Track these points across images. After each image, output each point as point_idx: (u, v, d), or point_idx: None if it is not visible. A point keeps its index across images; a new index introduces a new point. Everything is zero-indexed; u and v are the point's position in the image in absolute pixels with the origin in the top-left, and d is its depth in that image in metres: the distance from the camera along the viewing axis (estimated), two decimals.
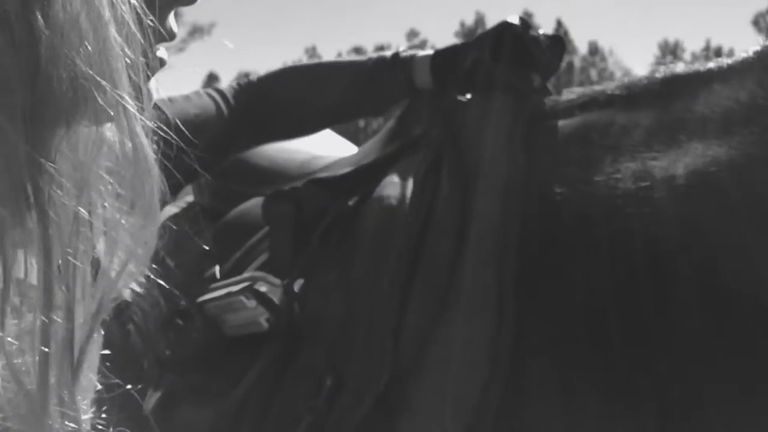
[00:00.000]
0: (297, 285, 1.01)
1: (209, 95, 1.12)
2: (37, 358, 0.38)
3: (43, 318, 0.37)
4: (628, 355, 0.77)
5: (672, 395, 0.75)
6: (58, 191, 0.37)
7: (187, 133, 0.46)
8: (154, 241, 0.44)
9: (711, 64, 0.83)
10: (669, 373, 0.75)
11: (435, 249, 0.92)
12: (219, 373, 1.03)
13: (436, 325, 0.87)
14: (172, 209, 1.44)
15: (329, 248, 1.04)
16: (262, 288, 1.02)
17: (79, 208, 0.38)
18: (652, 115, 0.85)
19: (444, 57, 1.15)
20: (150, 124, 0.42)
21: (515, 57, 1.04)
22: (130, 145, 0.40)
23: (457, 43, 1.16)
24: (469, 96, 1.08)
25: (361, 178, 1.10)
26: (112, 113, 0.39)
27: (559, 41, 1.09)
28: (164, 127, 0.44)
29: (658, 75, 0.89)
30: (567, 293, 0.82)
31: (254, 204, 1.26)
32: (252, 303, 1.02)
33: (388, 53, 1.20)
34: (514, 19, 1.07)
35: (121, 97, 0.39)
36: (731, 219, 0.74)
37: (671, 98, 0.85)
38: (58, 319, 0.38)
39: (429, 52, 1.17)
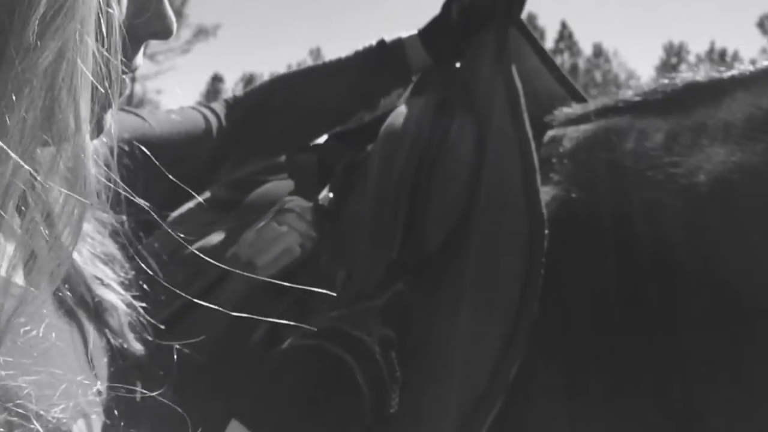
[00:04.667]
0: (325, 201, 1.01)
1: (198, 111, 1.08)
2: None
3: None
4: (634, 359, 0.77)
5: (677, 398, 0.75)
6: None
7: (173, 146, 0.47)
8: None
9: (732, 72, 0.84)
10: (675, 379, 0.75)
11: (456, 148, 0.93)
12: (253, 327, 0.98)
13: (463, 220, 0.87)
14: (188, 204, 1.44)
15: (351, 180, 1.04)
16: (296, 208, 1.02)
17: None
18: (673, 120, 0.85)
19: (432, 26, 1.14)
20: (100, 150, 0.44)
21: None
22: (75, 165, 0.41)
23: (436, 14, 1.16)
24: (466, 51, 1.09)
25: (377, 126, 1.08)
26: (67, 136, 0.40)
27: None
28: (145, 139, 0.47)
29: (677, 82, 0.88)
30: (573, 297, 0.82)
31: (273, 186, 1.27)
32: (283, 228, 1.01)
33: (373, 43, 1.17)
34: None
35: (78, 123, 0.40)
36: (745, 226, 0.74)
37: (692, 104, 0.85)
38: None
39: (413, 31, 1.16)
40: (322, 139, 1.12)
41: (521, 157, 0.87)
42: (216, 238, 1.24)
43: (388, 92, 1.19)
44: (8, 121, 0.38)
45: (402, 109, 1.04)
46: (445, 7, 1.13)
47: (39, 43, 0.37)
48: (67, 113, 0.39)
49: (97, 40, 0.41)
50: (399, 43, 1.14)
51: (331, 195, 1.02)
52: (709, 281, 0.74)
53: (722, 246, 0.75)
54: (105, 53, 0.42)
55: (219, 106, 1.11)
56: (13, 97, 0.38)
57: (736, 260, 0.73)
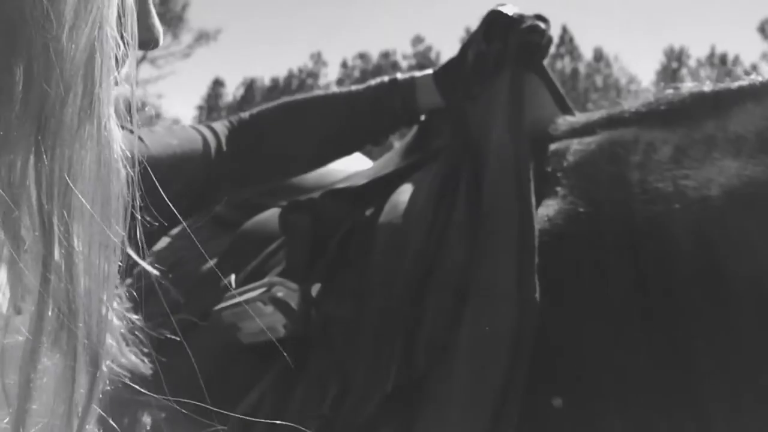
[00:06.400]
0: (314, 290, 1.00)
1: (197, 130, 1.07)
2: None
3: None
4: (645, 378, 0.75)
5: (691, 418, 0.73)
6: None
7: (169, 164, 0.47)
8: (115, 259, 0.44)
9: (741, 83, 0.82)
10: (688, 399, 0.74)
11: (451, 253, 0.91)
12: (229, 383, 1.00)
13: (453, 329, 0.85)
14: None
15: (346, 255, 1.02)
16: (280, 293, 1.01)
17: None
18: (681, 132, 0.84)
19: (447, 69, 1.14)
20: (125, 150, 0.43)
21: (508, 36, 1.05)
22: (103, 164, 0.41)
23: (453, 55, 1.15)
24: (478, 96, 1.07)
25: (378, 189, 1.08)
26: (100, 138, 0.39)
27: (542, 18, 1.09)
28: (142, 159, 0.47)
29: (683, 92, 0.86)
30: (581, 313, 0.80)
31: (271, 214, 1.25)
32: (269, 309, 1.00)
33: (386, 79, 1.17)
34: (501, 6, 1.09)
35: (102, 120, 0.39)
36: (759, 240, 0.72)
37: (701, 116, 0.83)
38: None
39: (428, 71, 1.16)
40: (318, 194, 1.11)
41: (517, 233, 0.84)
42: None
43: (393, 132, 1.19)
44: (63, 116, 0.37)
45: (404, 194, 1.02)
46: (462, 50, 1.12)
47: (75, 33, 0.37)
48: (98, 111, 0.39)
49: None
50: (410, 82, 1.15)
51: (320, 285, 1.00)
52: (720, 295, 0.73)
53: (735, 260, 0.73)
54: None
55: (221, 127, 1.10)
56: (71, 95, 0.37)
57: (749, 275, 0.72)
